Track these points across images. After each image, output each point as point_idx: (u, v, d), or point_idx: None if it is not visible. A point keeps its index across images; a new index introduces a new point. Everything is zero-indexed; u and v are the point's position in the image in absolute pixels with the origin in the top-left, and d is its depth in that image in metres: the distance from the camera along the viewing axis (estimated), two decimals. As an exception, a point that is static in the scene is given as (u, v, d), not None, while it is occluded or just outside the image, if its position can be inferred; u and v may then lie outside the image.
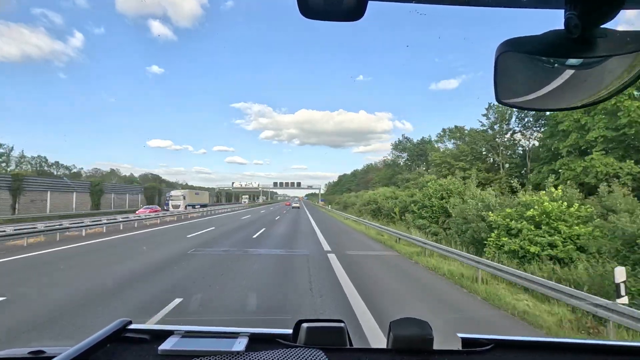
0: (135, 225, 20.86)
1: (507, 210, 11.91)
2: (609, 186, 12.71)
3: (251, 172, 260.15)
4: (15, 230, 12.89)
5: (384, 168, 62.22)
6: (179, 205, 42.38)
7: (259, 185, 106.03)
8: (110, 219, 20.53)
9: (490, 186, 22.52)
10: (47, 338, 4.42)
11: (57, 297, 6.13)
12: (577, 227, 9.96)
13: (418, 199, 21.09)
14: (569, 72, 0.57)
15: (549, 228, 10.45)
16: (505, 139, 30.97)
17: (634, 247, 7.55)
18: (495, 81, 0.61)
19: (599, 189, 12.78)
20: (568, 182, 17.04)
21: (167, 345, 0.97)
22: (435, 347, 0.96)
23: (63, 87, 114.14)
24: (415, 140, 53.21)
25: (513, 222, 11.00)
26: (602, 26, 0.51)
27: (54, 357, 0.84)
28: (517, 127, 30.20)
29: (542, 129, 27.04)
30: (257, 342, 1.02)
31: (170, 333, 1.04)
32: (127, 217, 22.78)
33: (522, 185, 21.61)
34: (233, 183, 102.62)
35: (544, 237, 10.14)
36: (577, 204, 10.70)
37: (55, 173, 58.00)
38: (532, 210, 10.84)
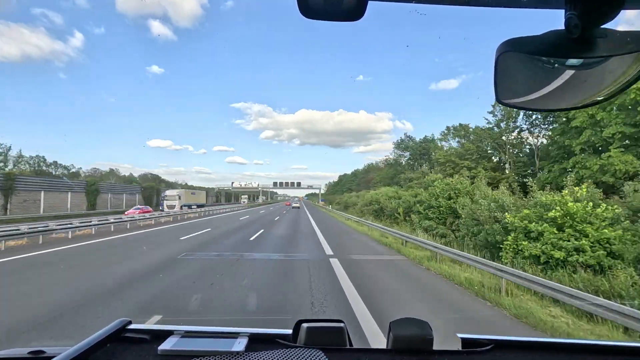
0: (128, 227, 19.92)
1: (525, 212, 10.96)
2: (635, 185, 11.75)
3: (251, 172, 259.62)
4: (-7, 232, 11.95)
5: (385, 167, 61.12)
6: (174, 205, 40.74)
7: (258, 185, 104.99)
8: (102, 220, 19.61)
9: (497, 186, 21.62)
10: (47, 338, 4.22)
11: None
12: (605, 230, 9.02)
13: (424, 199, 20.09)
14: (569, 72, 0.57)
15: (574, 231, 9.51)
16: (512, 137, 29.99)
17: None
18: (496, 81, 0.61)
19: (624, 188, 11.81)
20: (583, 181, 16.06)
21: (167, 345, 0.97)
22: (435, 347, 0.96)
23: (63, 87, 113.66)
24: (417, 139, 52.15)
25: (534, 224, 10.05)
26: (602, 26, 0.51)
27: (53, 357, 0.83)
28: (525, 124, 29.23)
29: (551, 127, 26.06)
30: (256, 342, 1.02)
31: (170, 333, 1.04)
32: (120, 218, 21.85)
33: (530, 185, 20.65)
34: (232, 183, 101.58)
35: (569, 241, 9.20)
36: (603, 205, 9.74)
37: (53, 173, 57.39)
38: (554, 211, 9.89)
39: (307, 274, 8.34)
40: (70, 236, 14.78)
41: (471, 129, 34.42)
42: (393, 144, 59.79)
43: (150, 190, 53.30)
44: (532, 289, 6.56)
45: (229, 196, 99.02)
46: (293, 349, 0.94)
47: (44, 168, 57.87)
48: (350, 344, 1.03)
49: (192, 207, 40.52)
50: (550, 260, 9.22)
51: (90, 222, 17.89)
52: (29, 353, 0.96)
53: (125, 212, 31.14)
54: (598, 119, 17.58)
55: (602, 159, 16.87)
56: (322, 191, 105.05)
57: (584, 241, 8.93)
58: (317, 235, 17.63)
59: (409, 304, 6.49)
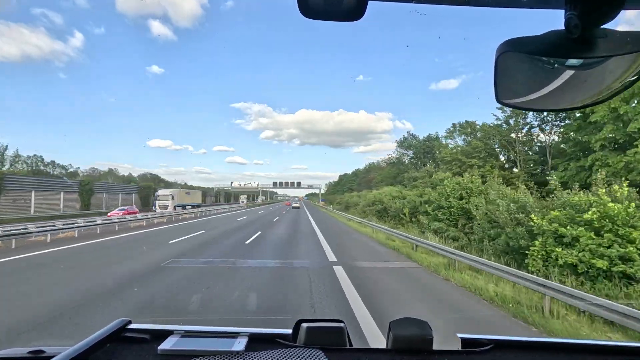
0: (117, 229, 18.67)
1: (553, 213, 9.70)
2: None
3: (251, 172, 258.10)
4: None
5: (387, 167, 59.76)
6: (167, 205, 38.70)
7: (258, 185, 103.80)
8: (89, 221, 18.39)
9: (508, 185, 20.40)
10: (47, 337, 4.17)
11: None
12: (654, 235, 7.77)
13: (433, 199, 18.80)
14: (569, 73, 0.56)
15: (614, 236, 8.26)
16: (522, 134, 28.68)
17: None
18: (496, 81, 0.60)
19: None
20: (608, 179, 14.78)
21: (167, 344, 0.95)
22: (435, 347, 0.94)
23: (63, 87, 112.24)
24: (421, 137, 50.80)
25: (568, 227, 8.79)
26: (602, 26, 0.51)
27: (53, 356, 0.82)
28: (535, 121, 27.91)
29: (564, 122, 24.77)
30: (256, 342, 1.01)
31: (170, 333, 1.03)
32: (110, 219, 20.62)
33: (544, 184, 19.40)
34: (232, 183, 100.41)
35: (612, 247, 7.94)
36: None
37: (51, 172, 56.33)
38: (590, 212, 8.64)
39: (308, 286, 7.08)
40: (49, 239, 13.54)
41: (478, 126, 33.14)
42: (396, 142, 58.40)
43: (148, 190, 52.02)
44: (590, 311, 5.30)
45: (228, 196, 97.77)
46: (293, 349, 0.93)
47: (42, 168, 56.90)
48: (350, 344, 1.03)
49: (187, 207, 39.02)
50: (590, 270, 7.97)
51: (76, 223, 16.68)
52: (29, 353, 0.95)
53: (109, 214, 29.25)
54: (621, 112, 16.30)
55: (627, 155, 15.60)
56: (322, 191, 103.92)
57: (630, 248, 7.68)
58: (318, 237, 16.40)
59: (441, 330, 5.24)
